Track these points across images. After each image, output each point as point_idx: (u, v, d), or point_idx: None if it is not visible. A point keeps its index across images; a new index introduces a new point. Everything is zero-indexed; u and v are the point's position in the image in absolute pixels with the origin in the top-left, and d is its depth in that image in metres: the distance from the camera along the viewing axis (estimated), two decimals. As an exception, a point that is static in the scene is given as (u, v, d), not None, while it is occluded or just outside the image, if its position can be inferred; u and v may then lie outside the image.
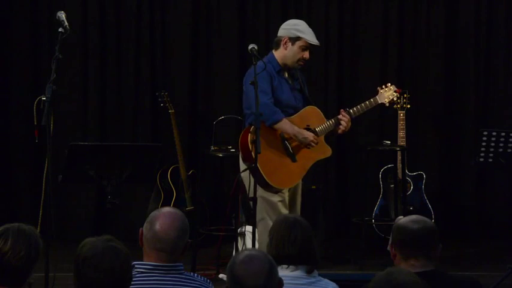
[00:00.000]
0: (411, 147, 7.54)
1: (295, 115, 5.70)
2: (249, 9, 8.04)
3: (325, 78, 8.00)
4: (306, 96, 5.84)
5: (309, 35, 5.76)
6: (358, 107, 5.90)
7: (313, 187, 7.39)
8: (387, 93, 6.08)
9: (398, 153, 7.17)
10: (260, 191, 5.53)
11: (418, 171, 7.60)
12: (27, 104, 6.91)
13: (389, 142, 7.16)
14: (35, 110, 5.05)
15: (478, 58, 8.10)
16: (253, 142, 5.57)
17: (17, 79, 7.84)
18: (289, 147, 5.65)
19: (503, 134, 5.86)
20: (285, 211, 5.62)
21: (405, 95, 7.32)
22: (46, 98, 4.69)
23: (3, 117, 7.81)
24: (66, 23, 4.99)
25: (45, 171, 5.01)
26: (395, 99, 6.40)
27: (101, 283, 2.69)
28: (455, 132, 8.13)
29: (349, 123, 5.80)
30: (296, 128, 5.64)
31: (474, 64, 8.09)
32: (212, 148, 6.99)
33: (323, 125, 5.73)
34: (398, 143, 7.23)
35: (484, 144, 5.89)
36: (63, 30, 4.95)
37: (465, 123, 8.09)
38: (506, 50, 8.10)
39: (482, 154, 5.92)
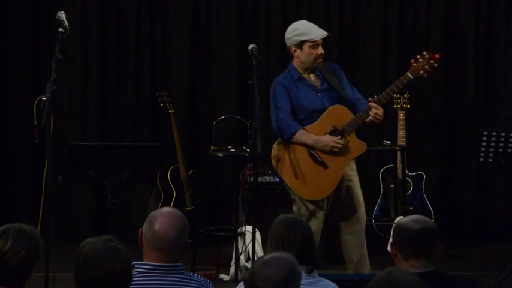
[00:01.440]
0: (411, 147, 7.53)
1: (319, 119, 5.61)
2: (249, 9, 8.04)
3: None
4: (339, 94, 5.70)
5: (311, 33, 5.67)
6: (388, 89, 5.62)
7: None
8: (420, 64, 5.68)
9: (398, 153, 7.16)
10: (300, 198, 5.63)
11: (418, 171, 7.59)
12: (27, 104, 6.91)
13: (389, 142, 7.16)
14: (35, 110, 5.06)
15: (478, 58, 8.10)
16: (276, 157, 5.62)
17: (17, 79, 7.84)
18: (317, 156, 5.57)
19: (503, 134, 5.86)
20: (314, 222, 5.56)
21: (405, 95, 7.32)
22: (46, 98, 4.70)
23: (3, 117, 7.81)
24: (66, 23, 4.99)
25: (45, 171, 5.02)
26: (436, 65, 5.75)
27: (101, 283, 2.69)
28: (455, 132, 8.12)
29: (379, 111, 5.53)
30: (313, 136, 5.55)
31: (474, 64, 8.09)
32: (212, 148, 6.99)
33: (349, 121, 5.58)
34: (398, 143, 7.22)
35: (484, 144, 5.89)
36: (63, 30, 4.96)
37: (465, 123, 8.09)
38: (506, 50, 8.10)
39: (482, 154, 5.91)
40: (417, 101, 7.83)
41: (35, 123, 5.05)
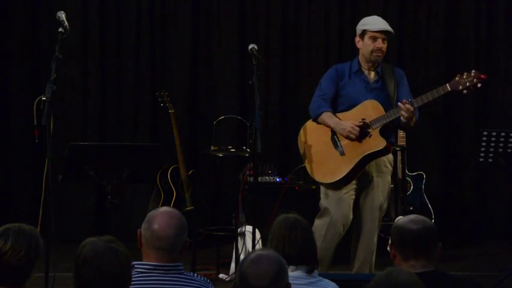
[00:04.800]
0: (411, 147, 7.53)
1: (352, 109, 5.65)
2: (249, 9, 8.04)
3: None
4: (390, 97, 5.65)
5: (373, 24, 5.70)
6: (423, 96, 5.57)
7: (313, 187, 7.39)
8: (463, 79, 5.52)
9: (398, 153, 7.16)
10: (323, 189, 5.68)
11: (418, 171, 7.59)
12: (27, 104, 6.91)
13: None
14: (35, 110, 5.06)
15: (478, 58, 8.10)
16: (302, 135, 5.70)
17: (17, 79, 7.84)
18: (338, 142, 5.63)
19: (503, 134, 5.86)
20: (346, 206, 5.60)
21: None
22: (46, 98, 4.70)
23: (3, 117, 7.81)
24: (66, 23, 5.00)
25: (45, 171, 5.02)
26: (479, 85, 5.50)
27: (99, 284, 2.68)
28: (455, 132, 8.13)
29: (410, 113, 5.47)
30: (336, 119, 5.61)
31: (474, 64, 8.08)
32: (212, 148, 6.99)
33: (378, 117, 5.56)
34: (398, 143, 7.22)
35: (484, 144, 5.89)
36: (63, 30, 4.96)
37: (465, 123, 8.09)
38: (506, 50, 8.11)
39: (482, 154, 5.91)
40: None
41: (35, 123, 5.05)
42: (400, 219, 3.39)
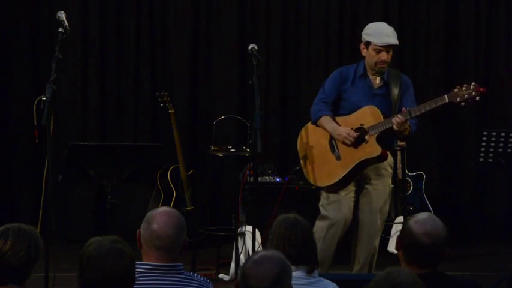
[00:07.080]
0: (411, 147, 7.53)
1: (351, 114, 5.64)
2: (249, 9, 8.04)
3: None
4: (393, 104, 5.61)
5: (377, 37, 5.60)
6: (421, 105, 5.55)
7: (313, 187, 7.38)
8: (462, 92, 5.47)
9: (398, 153, 7.15)
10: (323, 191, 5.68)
11: (418, 171, 7.59)
12: (27, 104, 6.91)
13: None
14: (35, 110, 5.06)
15: (478, 58, 8.10)
16: (302, 136, 5.68)
17: (17, 79, 7.84)
18: (335, 146, 5.63)
19: (503, 134, 5.86)
20: (346, 207, 5.60)
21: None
22: (46, 98, 4.70)
23: (3, 117, 7.81)
24: (66, 23, 5.00)
25: (45, 171, 5.02)
26: (477, 98, 5.43)
27: (102, 283, 2.69)
28: (455, 132, 8.12)
29: (403, 123, 5.47)
30: (334, 124, 5.60)
31: (474, 64, 8.09)
32: (212, 148, 6.99)
33: (376, 123, 5.55)
34: (398, 143, 7.21)
35: (484, 144, 5.89)
36: (63, 30, 4.97)
37: (465, 123, 8.09)
38: (506, 50, 8.10)
39: (482, 154, 5.91)
40: (417, 101, 7.81)
41: (35, 123, 5.05)
42: (413, 220, 3.28)
